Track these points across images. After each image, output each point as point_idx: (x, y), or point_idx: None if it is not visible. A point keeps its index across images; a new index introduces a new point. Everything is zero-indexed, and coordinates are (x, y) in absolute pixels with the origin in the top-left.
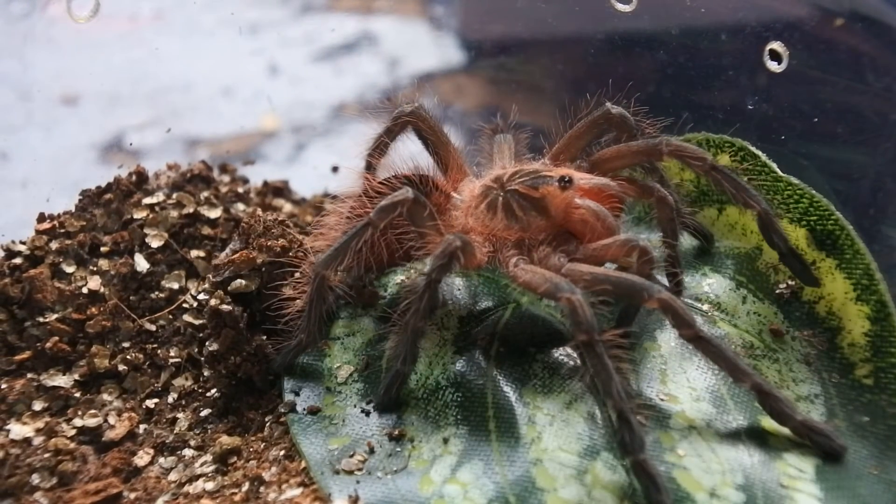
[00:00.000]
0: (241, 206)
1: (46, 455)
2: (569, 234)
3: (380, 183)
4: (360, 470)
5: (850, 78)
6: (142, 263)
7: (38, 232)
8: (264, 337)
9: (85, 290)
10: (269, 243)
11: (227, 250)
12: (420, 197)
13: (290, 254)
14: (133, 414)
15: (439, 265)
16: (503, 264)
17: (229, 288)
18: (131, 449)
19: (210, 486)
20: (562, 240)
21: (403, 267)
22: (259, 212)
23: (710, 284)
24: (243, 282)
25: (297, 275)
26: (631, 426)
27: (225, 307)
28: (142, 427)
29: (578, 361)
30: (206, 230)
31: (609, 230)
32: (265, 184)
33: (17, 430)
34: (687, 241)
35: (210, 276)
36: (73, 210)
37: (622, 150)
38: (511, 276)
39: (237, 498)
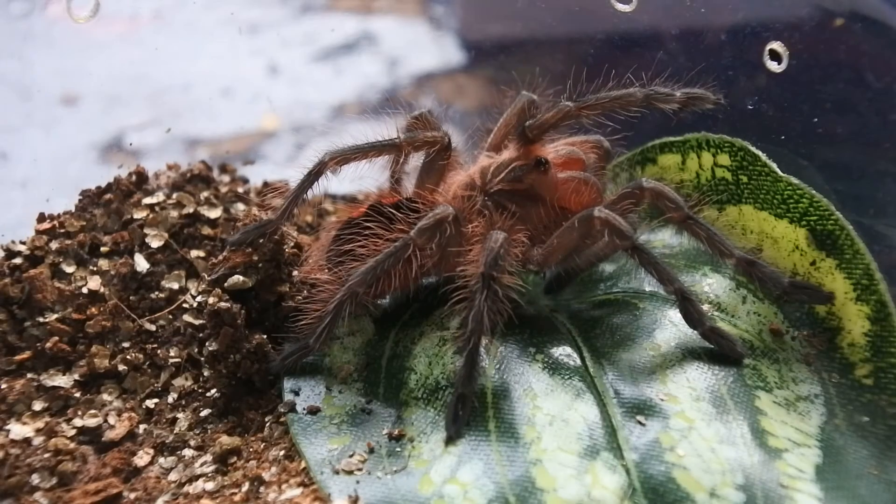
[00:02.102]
0: (241, 207)
1: (46, 455)
2: (565, 215)
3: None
4: (359, 470)
5: (849, 78)
6: (142, 263)
7: (37, 232)
8: (264, 336)
9: (85, 290)
10: (261, 239)
11: (226, 250)
12: (459, 214)
13: (287, 251)
14: (133, 414)
15: (493, 258)
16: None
17: (226, 285)
18: (131, 449)
19: (210, 486)
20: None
21: None
22: (255, 210)
23: (710, 284)
24: (241, 278)
25: (295, 273)
26: (693, 302)
27: (223, 304)
28: (142, 427)
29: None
30: (206, 230)
31: (598, 191)
32: (265, 184)
33: (17, 430)
34: (686, 241)
35: (205, 274)
36: (73, 210)
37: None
38: (540, 263)
39: (237, 498)
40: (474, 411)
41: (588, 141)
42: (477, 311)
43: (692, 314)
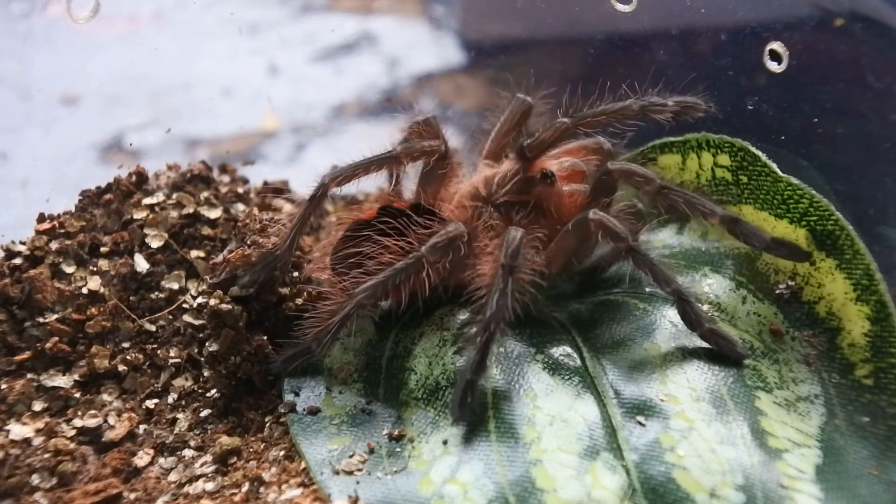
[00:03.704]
0: (241, 207)
1: (46, 455)
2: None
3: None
4: (359, 470)
5: (849, 78)
6: (142, 264)
7: (37, 232)
8: (264, 337)
9: (85, 291)
10: (261, 240)
11: (226, 251)
12: (470, 231)
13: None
14: (133, 414)
15: (513, 250)
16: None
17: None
18: (131, 449)
19: (210, 486)
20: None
21: None
22: (255, 211)
23: (710, 285)
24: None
25: (296, 274)
26: (691, 304)
27: (224, 306)
28: (142, 427)
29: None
30: (206, 230)
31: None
32: (265, 184)
33: (17, 430)
34: (687, 241)
35: (208, 277)
36: (73, 210)
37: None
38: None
39: (237, 498)
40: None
41: (587, 146)
42: (497, 300)
43: (690, 315)
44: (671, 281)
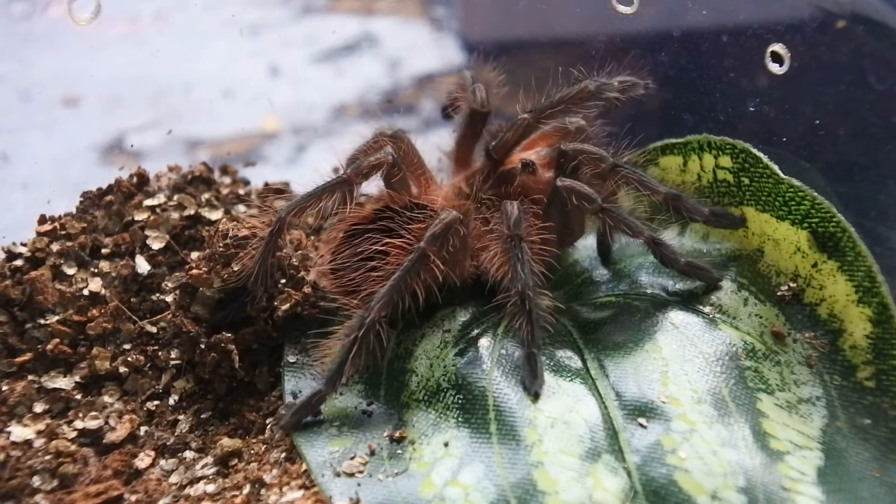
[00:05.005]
0: (242, 208)
1: (47, 457)
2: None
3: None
4: (360, 472)
5: (851, 80)
6: (143, 265)
7: (38, 234)
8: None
9: (86, 292)
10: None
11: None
12: (462, 217)
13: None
14: (134, 416)
15: (515, 220)
16: None
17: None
18: (132, 451)
19: (211, 488)
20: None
21: None
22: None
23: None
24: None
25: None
26: (665, 245)
27: (178, 320)
28: (143, 429)
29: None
30: (207, 232)
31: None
32: (266, 185)
33: (18, 432)
34: (688, 242)
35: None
36: (74, 212)
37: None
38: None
39: (238, 500)
40: (475, 413)
41: (553, 133)
42: (520, 269)
43: (666, 255)
44: (644, 230)
